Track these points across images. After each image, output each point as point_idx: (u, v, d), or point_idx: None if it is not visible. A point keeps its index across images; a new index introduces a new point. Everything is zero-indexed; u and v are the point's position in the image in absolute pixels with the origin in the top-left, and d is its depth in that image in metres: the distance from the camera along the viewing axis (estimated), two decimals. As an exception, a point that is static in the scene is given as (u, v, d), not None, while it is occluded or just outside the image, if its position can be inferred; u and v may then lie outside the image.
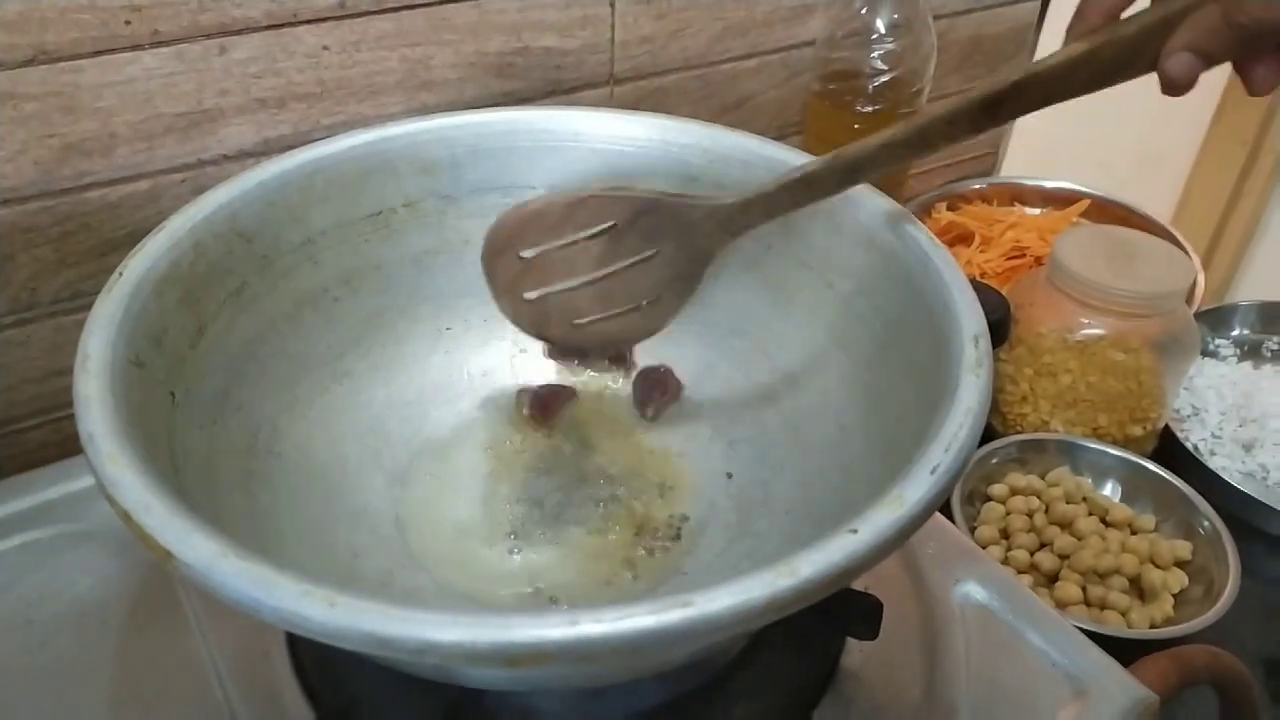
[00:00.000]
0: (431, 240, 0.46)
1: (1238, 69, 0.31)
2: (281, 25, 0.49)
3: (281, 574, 0.25)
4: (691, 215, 0.38)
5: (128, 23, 0.45)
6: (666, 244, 0.39)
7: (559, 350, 0.47)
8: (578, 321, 0.42)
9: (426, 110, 0.55)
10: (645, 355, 0.48)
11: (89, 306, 0.34)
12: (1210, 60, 0.29)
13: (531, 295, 0.41)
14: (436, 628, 0.24)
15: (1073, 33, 0.32)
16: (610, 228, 0.39)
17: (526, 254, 0.40)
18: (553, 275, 0.40)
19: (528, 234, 0.40)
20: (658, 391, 0.47)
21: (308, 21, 0.50)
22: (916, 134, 0.35)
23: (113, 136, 0.48)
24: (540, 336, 0.43)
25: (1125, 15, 0.32)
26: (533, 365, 0.49)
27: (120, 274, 0.35)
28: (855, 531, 0.27)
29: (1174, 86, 0.30)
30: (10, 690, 0.39)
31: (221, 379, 0.38)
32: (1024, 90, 0.33)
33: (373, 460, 0.43)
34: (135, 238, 0.37)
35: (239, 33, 0.48)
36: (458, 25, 0.54)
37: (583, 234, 0.39)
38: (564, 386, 0.48)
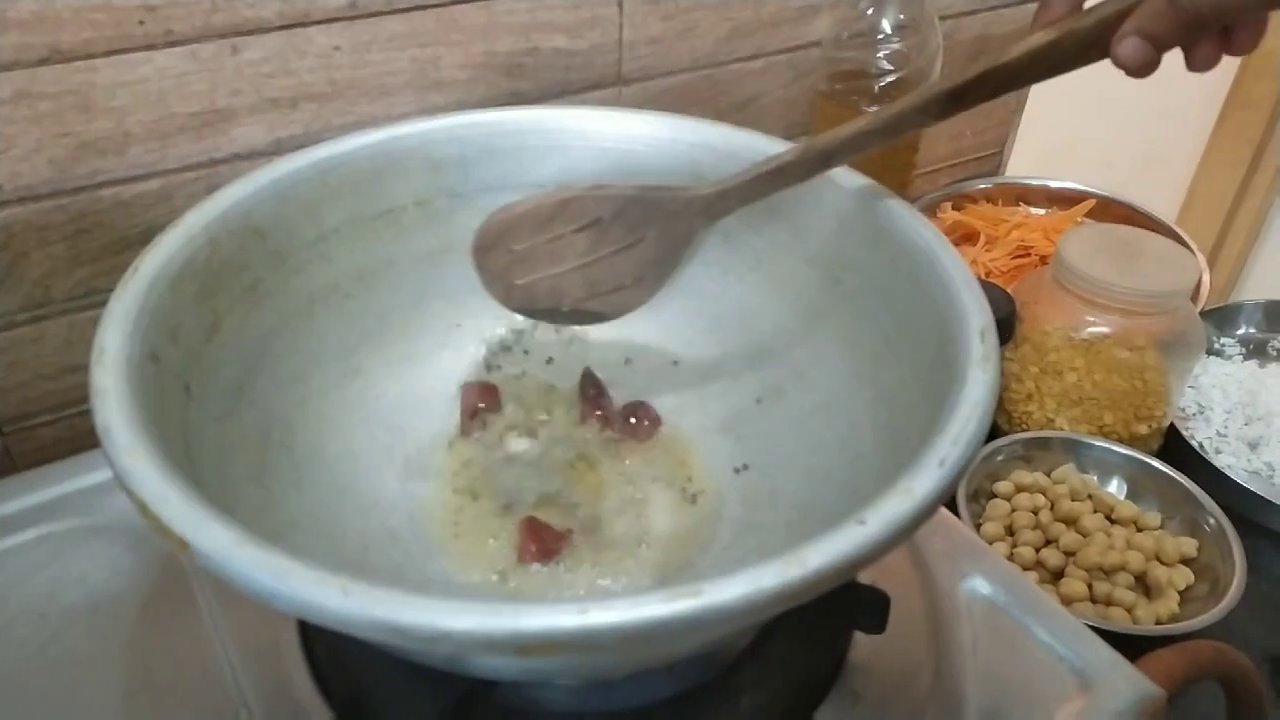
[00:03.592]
0: (442, 238, 0.47)
1: (1181, 48, 0.32)
2: (293, 25, 0.50)
3: (296, 562, 0.26)
4: (672, 205, 0.41)
5: (141, 23, 0.46)
6: (649, 231, 0.42)
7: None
8: (565, 302, 0.44)
9: (436, 110, 0.56)
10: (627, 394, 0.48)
11: (102, 304, 0.34)
12: (1158, 44, 0.31)
13: (521, 281, 0.43)
14: (449, 615, 0.24)
15: (1038, 22, 0.34)
16: (595, 221, 0.42)
17: (516, 247, 0.42)
18: (541, 264, 0.43)
19: (517, 232, 0.42)
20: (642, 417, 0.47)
21: (319, 22, 0.50)
22: (887, 123, 0.37)
23: (126, 135, 0.48)
24: (529, 315, 0.45)
25: (1086, 6, 0.33)
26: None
27: (136, 269, 0.35)
28: (863, 523, 0.27)
29: (1126, 70, 0.32)
30: (24, 683, 0.39)
31: (235, 373, 0.38)
32: (989, 79, 0.35)
33: (384, 455, 0.44)
34: (148, 236, 0.37)
35: (251, 33, 0.49)
36: (467, 26, 0.54)
37: (569, 228, 0.42)
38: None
